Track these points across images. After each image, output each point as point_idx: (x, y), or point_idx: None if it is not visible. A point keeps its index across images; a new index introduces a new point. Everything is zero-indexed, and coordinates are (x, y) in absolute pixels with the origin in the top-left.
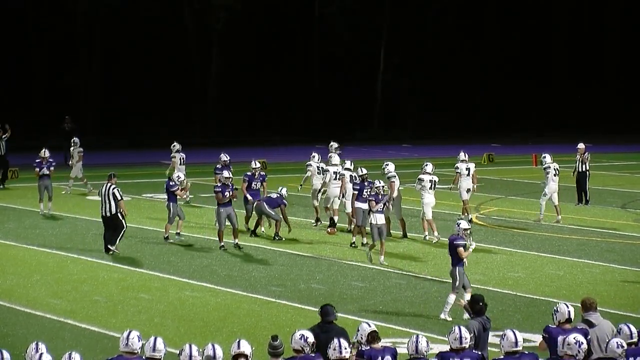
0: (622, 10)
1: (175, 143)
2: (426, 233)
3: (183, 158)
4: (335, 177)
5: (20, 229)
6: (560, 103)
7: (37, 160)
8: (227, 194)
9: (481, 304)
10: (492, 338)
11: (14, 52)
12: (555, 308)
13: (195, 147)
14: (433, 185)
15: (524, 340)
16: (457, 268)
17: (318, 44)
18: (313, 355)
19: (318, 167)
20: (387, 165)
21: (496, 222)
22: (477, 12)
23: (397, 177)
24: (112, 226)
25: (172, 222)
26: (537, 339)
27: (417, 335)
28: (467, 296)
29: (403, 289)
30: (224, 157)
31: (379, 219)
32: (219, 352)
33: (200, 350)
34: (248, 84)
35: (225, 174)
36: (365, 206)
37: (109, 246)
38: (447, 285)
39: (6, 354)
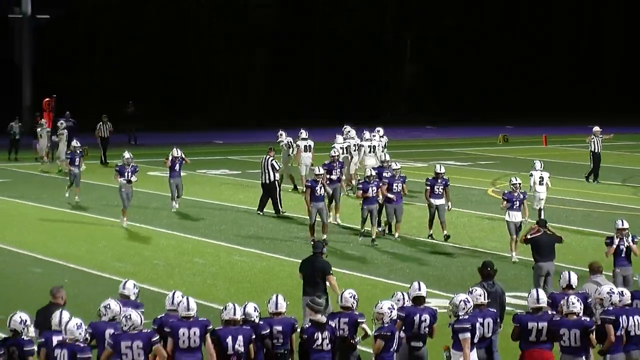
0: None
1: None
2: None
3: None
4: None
5: (89, 201)
6: (566, 90)
7: (119, 164)
8: (317, 188)
9: (489, 269)
10: (511, 299)
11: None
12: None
13: (245, 128)
14: (372, 150)
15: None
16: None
17: (348, 33)
18: (357, 313)
19: (288, 142)
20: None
21: None
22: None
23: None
24: (268, 191)
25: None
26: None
27: (460, 297)
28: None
29: (427, 255)
30: (334, 153)
31: (515, 216)
32: (250, 309)
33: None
34: (279, 70)
35: (316, 170)
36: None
37: (275, 212)
38: (467, 251)
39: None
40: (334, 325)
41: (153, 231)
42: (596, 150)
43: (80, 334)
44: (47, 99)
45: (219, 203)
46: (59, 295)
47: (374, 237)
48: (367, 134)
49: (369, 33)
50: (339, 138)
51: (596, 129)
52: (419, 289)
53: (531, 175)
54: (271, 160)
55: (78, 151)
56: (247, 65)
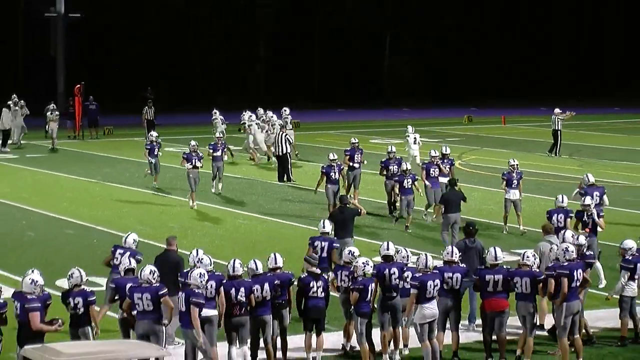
0: None
1: None
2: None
3: None
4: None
5: (114, 173)
6: (566, 90)
7: (185, 152)
8: (332, 174)
9: (471, 228)
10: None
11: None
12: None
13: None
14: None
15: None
16: None
17: (348, 33)
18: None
19: (220, 119)
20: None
21: (474, 167)
22: None
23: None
24: (282, 162)
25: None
26: (506, 257)
27: (426, 254)
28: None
29: (405, 220)
30: (353, 140)
31: (513, 194)
32: (259, 265)
33: (244, 264)
34: (279, 70)
35: (330, 155)
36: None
37: (286, 180)
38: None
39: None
40: (339, 277)
41: (169, 199)
42: (557, 128)
43: (201, 282)
44: (78, 86)
45: (224, 174)
46: (173, 242)
47: (408, 224)
48: (266, 114)
49: (369, 33)
50: (247, 115)
51: (557, 110)
52: (387, 249)
53: (407, 138)
54: (285, 136)
55: (156, 142)
56: (247, 65)
